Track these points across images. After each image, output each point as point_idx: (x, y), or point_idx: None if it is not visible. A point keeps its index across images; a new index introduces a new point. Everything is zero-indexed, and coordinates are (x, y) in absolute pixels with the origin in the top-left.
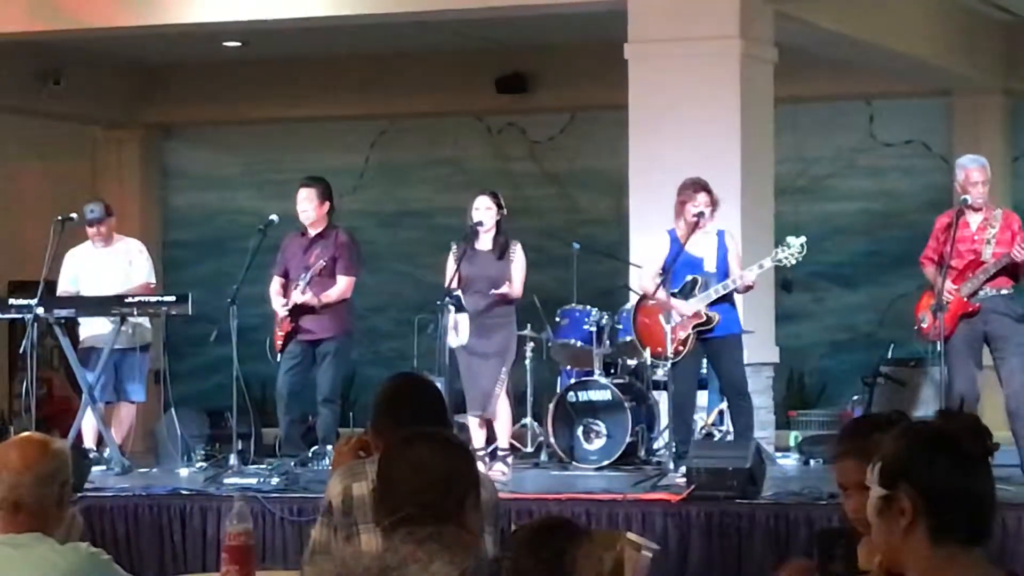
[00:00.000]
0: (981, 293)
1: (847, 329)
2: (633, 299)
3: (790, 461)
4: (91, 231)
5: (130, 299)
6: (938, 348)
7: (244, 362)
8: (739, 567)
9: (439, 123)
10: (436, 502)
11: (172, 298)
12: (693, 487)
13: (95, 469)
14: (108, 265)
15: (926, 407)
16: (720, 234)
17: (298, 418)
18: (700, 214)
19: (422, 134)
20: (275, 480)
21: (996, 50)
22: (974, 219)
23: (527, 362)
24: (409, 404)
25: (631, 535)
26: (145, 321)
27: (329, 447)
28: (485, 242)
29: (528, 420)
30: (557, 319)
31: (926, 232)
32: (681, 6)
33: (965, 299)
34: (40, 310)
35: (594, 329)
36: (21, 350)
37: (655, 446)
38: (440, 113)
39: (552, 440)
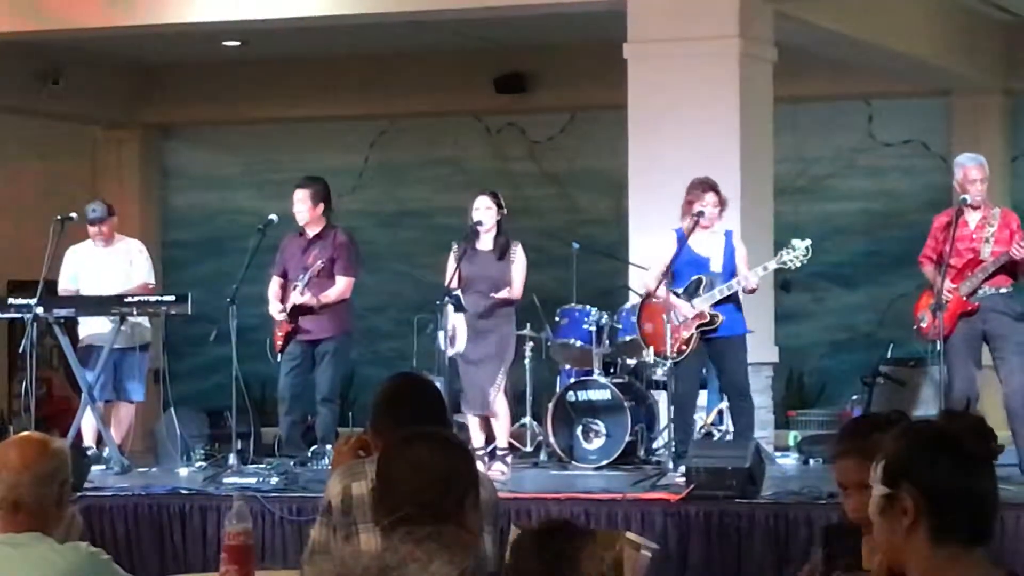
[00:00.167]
0: (980, 292)
1: (847, 329)
2: (633, 299)
3: (789, 461)
4: (92, 230)
5: (130, 299)
6: (938, 347)
7: (243, 362)
8: (738, 566)
9: (438, 123)
10: (435, 502)
11: (172, 298)
12: (692, 487)
13: (94, 468)
14: (108, 264)
15: (926, 407)
16: (728, 234)
17: (299, 419)
18: (700, 213)
19: (421, 134)
20: (274, 480)
21: (995, 50)
22: (973, 218)
23: (526, 362)
24: (408, 404)
25: (630, 535)
26: (144, 320)
27: (328, 447)
28: (486, 242)
29: (527, 420)
30: (557, 319)
31: (925, 232)
32: (680, 6)
33: (964, 298)
34: (40, 310)
35: (594, 329)
36: (21, 350)
37: (654, 446)
38: (439, 113)
39: (551, 440)
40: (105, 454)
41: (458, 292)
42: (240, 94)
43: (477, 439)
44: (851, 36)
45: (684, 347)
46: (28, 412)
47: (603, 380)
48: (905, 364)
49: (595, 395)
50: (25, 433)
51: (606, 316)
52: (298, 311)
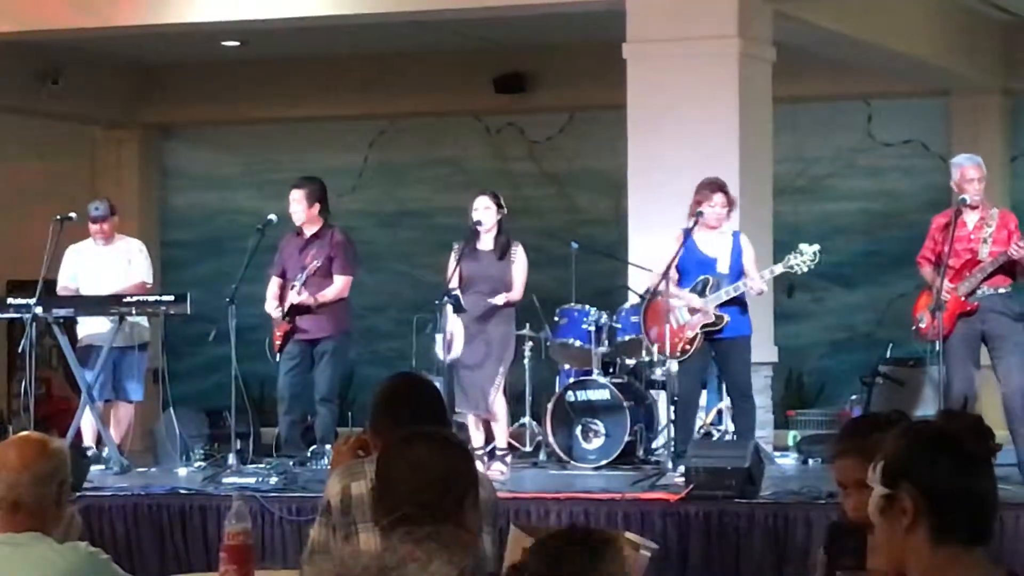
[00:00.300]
0: (979, 292)
1: (846, 329)
2: (632, 299)
3: (789, 460)
4: (93, 227)
5: (129, 298)
6: (936, 348)
7: (243, 361)
8: (738, 566)
9: (438, 123)
10: (435, 501)
11: (171, 298)
12: (692, 486)
13: (94, 468)
14: (108, 264)
15: (925, 407)
16: (735, 235)
17: (298, 419)
18: (699, 213)
19: (421, 134)
20: (274, 479)
21: (995, 50)
22: (971, 218)
23: (526, 361)
24: (408, 404)
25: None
26: (143, 320)
27: (327, 446)
28: (486, 242)
29: (527, 419)
30: (556, 318)
31: (925, 232)
32: (680, 6)
33: (962, 298)
34: (39, 310)
35: (593, 329)
36: (20, 349)
37: (654, 445)
38: (439, 113)
39: (551, 439)
40: (104, 454)
41: (457, 292)
42: (240, 94)
43: (476, 439)
44: (850, 36)
45: (688, 347)
46: (27, 412)
47: (602, 380)
48: (904, 364)
49: (594, 395)
50: (24, 433)
51: (605, 316)
52: (296, 311)
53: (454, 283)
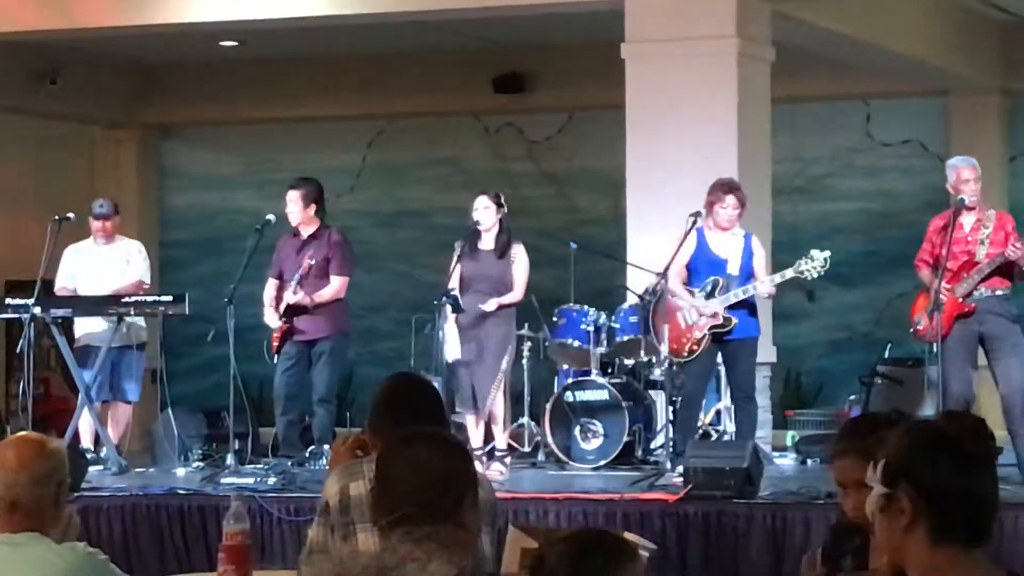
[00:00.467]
0: (976, 294)
1: (844, 329)
2: (631, 299)
3: (787, 461)
4: (96, 225)
5: (127, 299)
6: (934, 349)
7: (241, 362)
8: (736, 566)
9: (437, 123)
10: (434, 501)
11: (169, 298)
12: (690, 487)
13: (92, 469)
14: (107, 264)
15: (923, 407)
16: (747, 237)
17: (295, 419)
18: (697, 213)
19: (420, 134)
20: (272, 480)
21: (993, 50)
22: (968, 220)
23: (524, 362)
24: (407, 404)
25: (628, 535)
26: (140, 320)
27: (326, 447)
28: (487, 242)
29: (525, 420)
30: (555, 319)
31: (923, 232)
32: (678, 6)
33: (960, 300)
34: (37, 310)
35: (591, 329)
36: (18, 350)
37: (652, 446)
38: (438, 113)
39: (549, 440)
40: (102, 454)
41: (456, 292)
42: (239, 94)
43: (475, 439)
44: (849, 36)
45: (696, 347)
46: (25, 412)
47: (601, 380)
48: (903, 364)
49: (593, 395)
50: (22, 433)
51: (604, 316)
52: (294, 311)
53: (455, 283)
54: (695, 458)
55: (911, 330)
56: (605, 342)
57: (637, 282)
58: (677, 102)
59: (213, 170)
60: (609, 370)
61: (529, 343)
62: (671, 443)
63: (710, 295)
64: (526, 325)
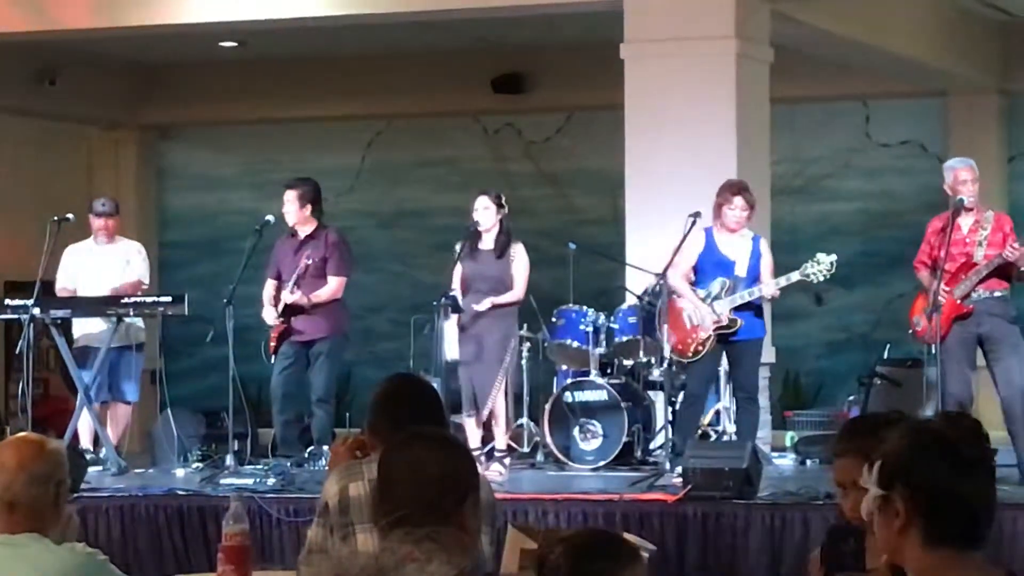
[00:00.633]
0: (974, 295)
1: (843, 329)
2: (630, 299)
3: (786, 461)
4: (98, 223)
5: (126, 299)
6: (933, 350)
7: (240, 362)
8: (735, 567)
9: (435, 123)
10: (436, 503)
11: (168, 298)
12: (689, 487)
13: (91, 469)
14: (107, 264)
15: (922, 408)
16: (755, 239)
17: (293, 418)
18: (697, 214)
19: (419, 134)
20: (271, 480)
21: (992, 50)
22: (965, 221)
23: (523, 362)
24: (406, 404)
25: (628, 535)
26: (138, 320)
27: (325, 447)
28: (487, 242)
29: (524, 420)
30: (554, 319)
31: (922, 232)
32: (677, 6)
33: (958, 301)
34: (36, 311)
35: (590, 329)
36: (17, 350)
37: (651, 446)
38: (436, 113)
39: (548, 440)
40: (102, 455)
41: (455, 293)
42: (238, 95)
43: (473, 440)
44: (848, 37)
45: (700, 348)
46: (25, 413)
47: (600, 381)
48: (902, 365)
49: (592, 396)
50: (22, 434)
51: (603, 317)
52: (291, 311)
53: (456, 284)
54: (694, 459)
55: (909, 331)
56: (604, 343)
57: (636, 283)
58: (676, 103)
59: (212, 171)
60: (608, 371)
61: (528, 344)
62: (670, 443)
63: (716, 296)
64: (525, 326)
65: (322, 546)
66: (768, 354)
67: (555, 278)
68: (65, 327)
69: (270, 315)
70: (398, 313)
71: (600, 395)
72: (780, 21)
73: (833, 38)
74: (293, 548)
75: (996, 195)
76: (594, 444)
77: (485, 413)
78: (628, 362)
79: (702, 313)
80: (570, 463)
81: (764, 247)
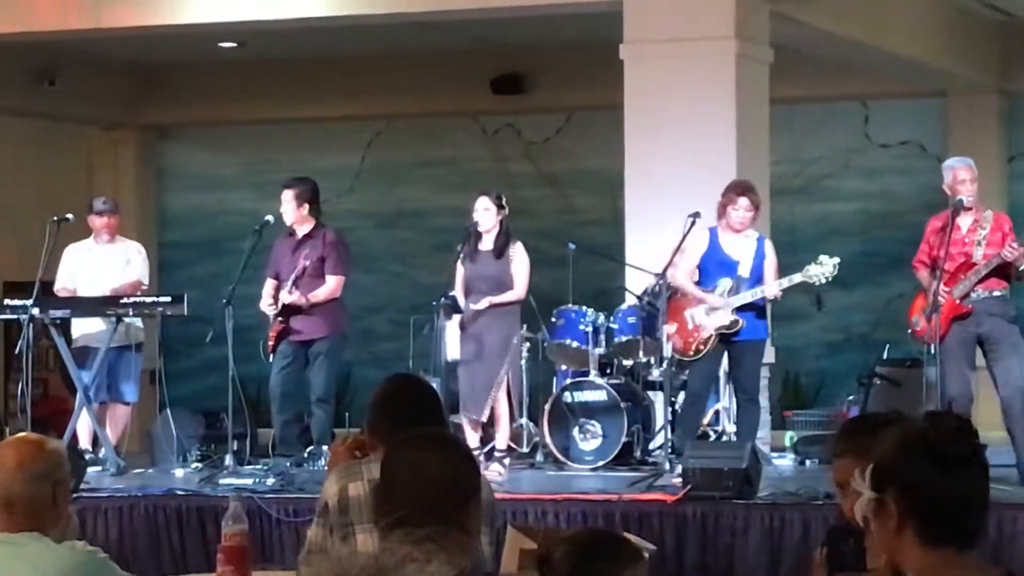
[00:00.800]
0: (973, 295)
1: (843, 330)
2: (630, 299)
3: (786, 461)
4: (101, 221)
5: (126, 300)
6: (932, 350)
7: (239, 363)
8: (735, 567)
9: (435, 124)
10: (440, 504)
11: (168, 299)
12: (689, 487)
13: (90, 470)
14: (107, 264)
15: (922, 408)
16: (760, 240)
17: (292, 418)
18: (696, 214)
19: (418, 135)
20: (271, 480)
21: (991, 50)
22: (964, 221)
23: (523, 362)
24: (406, 405)
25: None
26: (137, 320)
27: (324, 447)
28: (487, 243)
29: (524, 420)
30: (553, 319)
31: (922, 233)
32: (677, 7)
33: (957, 301)
34: (36, 311)
35: (590, 330)
36: (17, 351)
37: (651, 446)
38: (436, 114)
39: (548, 440)
40: (101, 455)
41: (454, 293)
42: (237, 95)
43: (472, 440)
44: (847, 37)
45: (702, 347)
46: (24, 413)
47: (599, 381)
48: (901, 365)
49: (591, 396)
50: (22, 434)
51: (602, 317)
52: (290, 311)
53: (458, 285)
54: (694, 459)
55: (909, 331)
56: (604, 343)
57: (636, 283)
58: (676, 103)
59: (211, 171)
60: (608, 371)
61: (528, 344)
62: (670, 443)
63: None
64: (525, 326)
65: (322, 546)
66: (768, 354)
67: (555, 278)
68: (64, 327)
69: (266, 303)
70: (398, 313)
71: (600, 395)
72: (780, 21)
73: (833, 38)
74: (293, 548)
75: (996, 195)
76: (593, 444)
77: (485, 413)
78: (628, 362)
79: (711, 303)
80: (569, 463)
81: (768, 248)
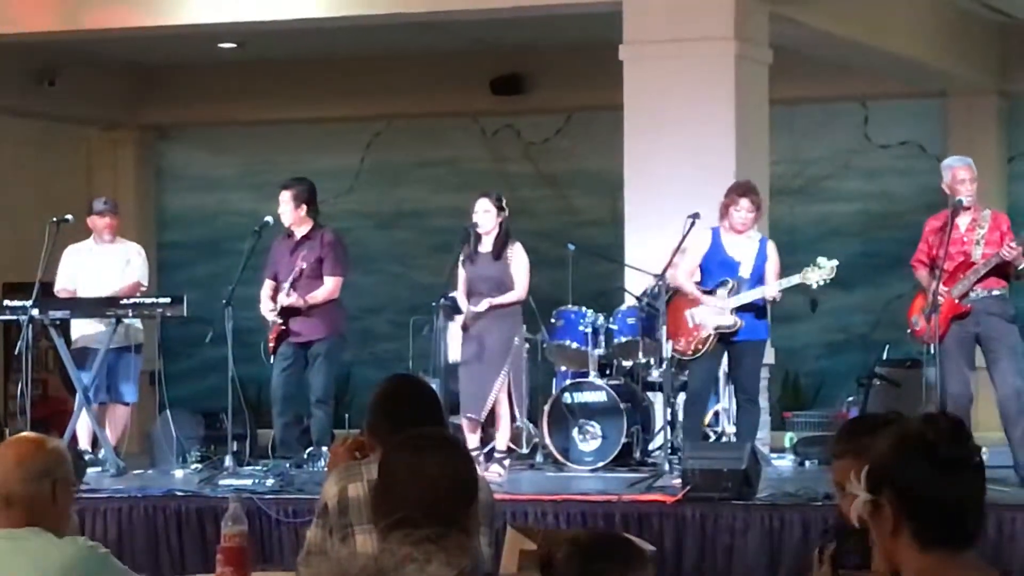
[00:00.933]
0: (972, 294)
1: (842, 330)
2: (629, 300)
3: (785, 462)
4: (103, 221)
5: (125, 301)
6: (932, 350)
7: (239, 363)
8: (734, 568)
9: (434, 124)
10: (440, 505)
11: (167, 300)
12: (688, 488)
13: (90, 470)
14: (106, 264)
15: (921, 408)
16: (763, 241)
17: (292, 420)
18: (696, 215)
19: (418, 135)
20: (270, 481)
21: (991, 51)
22: (963, 220)
23: (523, 363)
24: (405, 405)
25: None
26: (136, 321)
27: (324, 448)
28: (487, 244)
29: (523, 421)
30: (553, 320)
31: (921, 233)
32: (676, 7)
33: (956, 301)
34: (35, 312)
35: (589, 330)
36: (16, 352)
37: (650, 447)
38: (435, 114)
39: (547, 441)
40: (100, 456)
41: (454, 295)
42: (237, 96)
43: (471, 441)
44: (847, 38)
45: (700, 346)
46: (24, 414)
47: (599, 382)
48: (901, 365)
49: (591, 397)
50: (25, 433)
51: (602, 318)
52: (289, 313)
53: (461, 288)
54: (693, 460)
55: (908, 331)
56: (603, 344)
57: (635, 284)
58: (675, 104)
59: (211, 172)
60: (607, 372)
61: (527, 345)
62: (670, 444)
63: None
64: (524, 327)
65: (321, 547)
66: (768, 355)
67: (554, 279)
68: (64, 328)
69: (266, 307)
70: (397, 314)
71: (599, 396)
72: (779, 22)
73: (832, 39)
74: (292, 549)
75: (995, 196)
76: (593, 445)
77: (484, 414)
78: (627, 363)
79: (712, 304)
80: (569, 464)
81: (771, 249)
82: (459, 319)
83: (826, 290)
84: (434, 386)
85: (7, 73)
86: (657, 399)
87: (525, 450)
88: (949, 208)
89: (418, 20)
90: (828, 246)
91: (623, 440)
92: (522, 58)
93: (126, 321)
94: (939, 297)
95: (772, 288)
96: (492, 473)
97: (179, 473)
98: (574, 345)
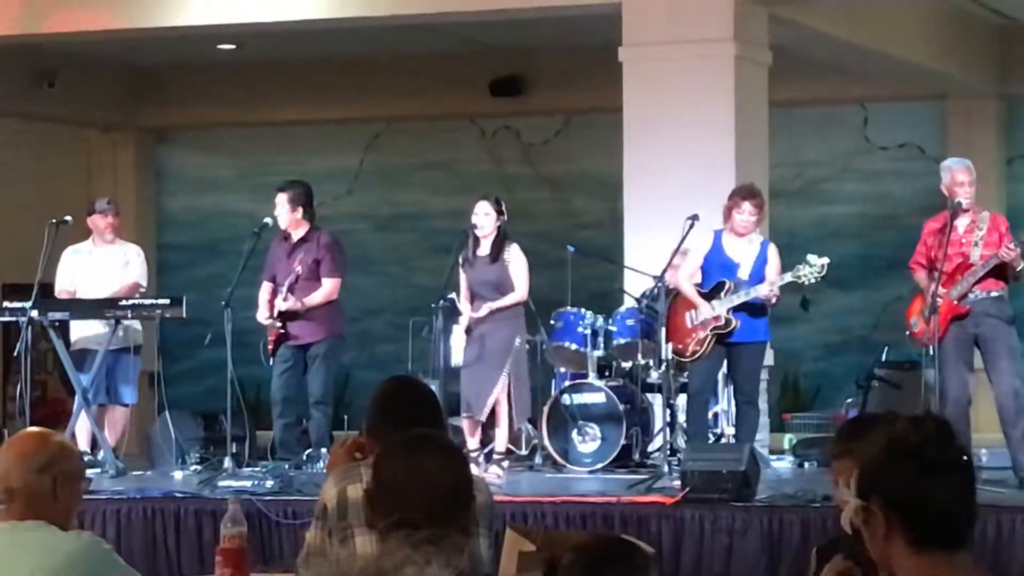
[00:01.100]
0: (971, 296)
1: (841, 332)
2: (628, 302)
3: (784, 464)
4: (106, 221)
5: (124, 302)
6: (931, 351)
7: (238, 365)
8: (733, 569)
9: (433, 126)
10: (438, 506)
11: (166, 301)
12: (687, 490)
13: (89, 472)
14: (106, 265)
15: (920, 410)
16: (764, 244)
17: (292, 421)
18: (695, 217)
19: (417, 137)
20: (269, 483)
21: (990, 53)
22: (961, 222)
23: (523, 364)
24: (404, 407)
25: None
26: (135, 323)
27: (323, 450)
28: (485, 247)
29: (523, 424)
30: (552, 322)
31: (920, 235)
32: (675, 9)
33: (955, 302)
34: (34, 313)
35: (589, 332)
36: (16, 353)
37: (649, 449)
38: (434, 116)
39: (547, 443)
40: (100, 457)
41: (452, 296)
42: (235, 97)
43: (471, 442)
44: (846, 40)
45: (698, 348)
46: (23, 415)
47: (598, 383)
48: (900, 367)
49: (590, 398)
50: (32, 428)
51: (601, 319)
52: (287, 316)
53: (463, 291)
54: (692, 461)
55: (907, 332)
56: (602, 345)
57: (634, 285)
58: (674, 105)
59: (210, 173)
60: (606, 373)
61: (527, 346)
62: (669, 445)
63: (715, 297)
64: (525, 329)
65: (320, 549)
66: (767, 356)
67: (553, 281)
68: (63, 329)
69: (263, 315)
70: (396, 316)
71: (598, 398)
72: (778, 24)
73: (831, 41)
74: (291, 551)
75: (995, 198)
76: (592, 447)
77: (483, 415)
78: (626, 364)
79: (701, 310)
80: (568, 465)
81: (772, 252)
82: (460, 322)
83: (825, 292)
84: (433, 387)
85: (6, 74)
86: (656, 401)
87: (524, 452)
88: (948, 210)
89: (417, 22)
90: (827, 248)
91: (622, 442)
92: (521, 60)
93: (125, 322)
94: (938, 299)
95: (765, 287)
96: (491, 475)
97: (178, 474)
98: (573, 347)
